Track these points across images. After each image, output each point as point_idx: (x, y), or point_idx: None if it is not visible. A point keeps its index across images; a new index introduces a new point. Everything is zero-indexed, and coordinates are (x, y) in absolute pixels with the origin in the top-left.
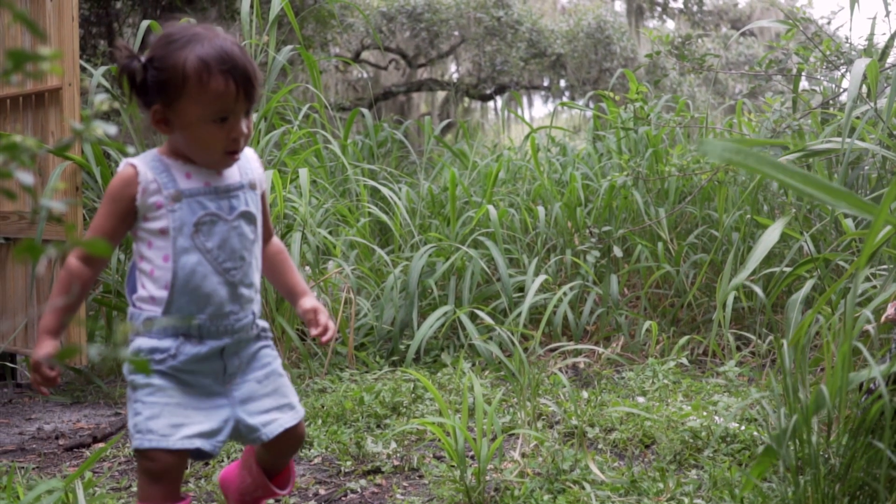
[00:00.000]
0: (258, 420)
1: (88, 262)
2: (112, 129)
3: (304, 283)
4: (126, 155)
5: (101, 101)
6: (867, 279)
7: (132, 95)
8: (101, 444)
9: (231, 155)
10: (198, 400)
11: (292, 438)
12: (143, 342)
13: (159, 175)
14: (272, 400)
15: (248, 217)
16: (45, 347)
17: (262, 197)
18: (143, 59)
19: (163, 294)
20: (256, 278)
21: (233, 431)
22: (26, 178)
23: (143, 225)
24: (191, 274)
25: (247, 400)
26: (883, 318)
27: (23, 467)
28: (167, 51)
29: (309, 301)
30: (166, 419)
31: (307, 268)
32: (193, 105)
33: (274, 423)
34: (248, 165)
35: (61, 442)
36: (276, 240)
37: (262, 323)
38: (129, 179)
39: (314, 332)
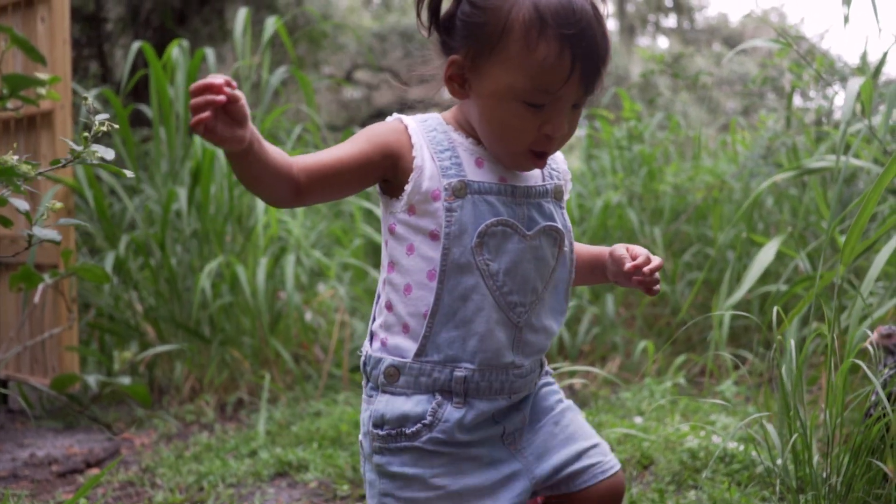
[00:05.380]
0: (576, 467)
1: (302, 171)
2: (109, 154)
3: (597, 247)
4: (122, 178)
5: (99, 121)
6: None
7: (431, 30)
8: (94, 470)
9: (537, 158)
10: (476, 476)
11: (615, 489)
12: (386, 406)
13: (441, 154)
14: (581, 442)
15: (551, 235)
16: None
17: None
18: None
19: (418, 325)
20: (553, 324)
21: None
22: (21, 204)
23: (406, 217)
24: (461, 301)
25: (545, 453)
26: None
27: (16, 494)
28: None
29: (616, 248)
30: None
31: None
32: (506, 70)
33: (596, 466)
34: (555, 166)
35: (54, 468)
36: None
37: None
38: (401, 135)
39: (629, 265)
